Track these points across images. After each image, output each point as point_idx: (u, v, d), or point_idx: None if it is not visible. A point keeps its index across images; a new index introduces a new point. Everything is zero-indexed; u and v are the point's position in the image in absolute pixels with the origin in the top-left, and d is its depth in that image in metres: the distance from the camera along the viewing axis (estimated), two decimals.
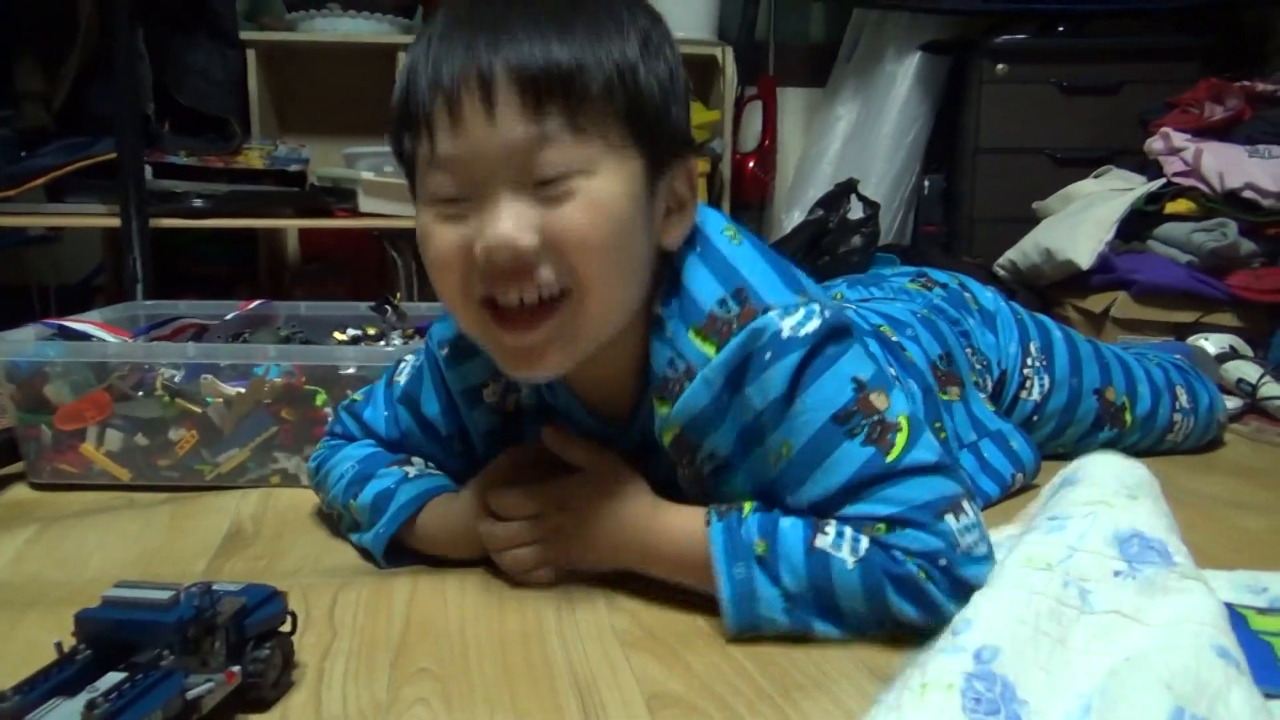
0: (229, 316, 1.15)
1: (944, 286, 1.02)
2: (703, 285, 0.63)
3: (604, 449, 0.70)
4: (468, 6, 0.59)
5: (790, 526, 0.61)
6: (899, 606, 0.58)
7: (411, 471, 0.76)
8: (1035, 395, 0.99)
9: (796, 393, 0.61)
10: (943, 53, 2.25)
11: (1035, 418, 0.99)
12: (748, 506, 0.63)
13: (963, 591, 0.56)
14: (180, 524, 0.85)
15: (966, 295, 1.01)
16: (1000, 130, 2.13)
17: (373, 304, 1.19)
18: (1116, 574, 0.52)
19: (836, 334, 0.62)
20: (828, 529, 0.60)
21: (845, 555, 0.59)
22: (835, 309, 0.63)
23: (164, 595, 0.49)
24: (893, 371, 0.79)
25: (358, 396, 0.84)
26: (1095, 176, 1.88)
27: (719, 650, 0.60)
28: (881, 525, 0.59)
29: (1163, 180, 1.68)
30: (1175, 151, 1.68)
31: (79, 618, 0.50)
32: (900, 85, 2.27)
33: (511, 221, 0.56)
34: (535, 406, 0.74)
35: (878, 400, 0.61)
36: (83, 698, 0.44)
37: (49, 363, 0.92)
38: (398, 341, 1.12)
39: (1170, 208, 1.67)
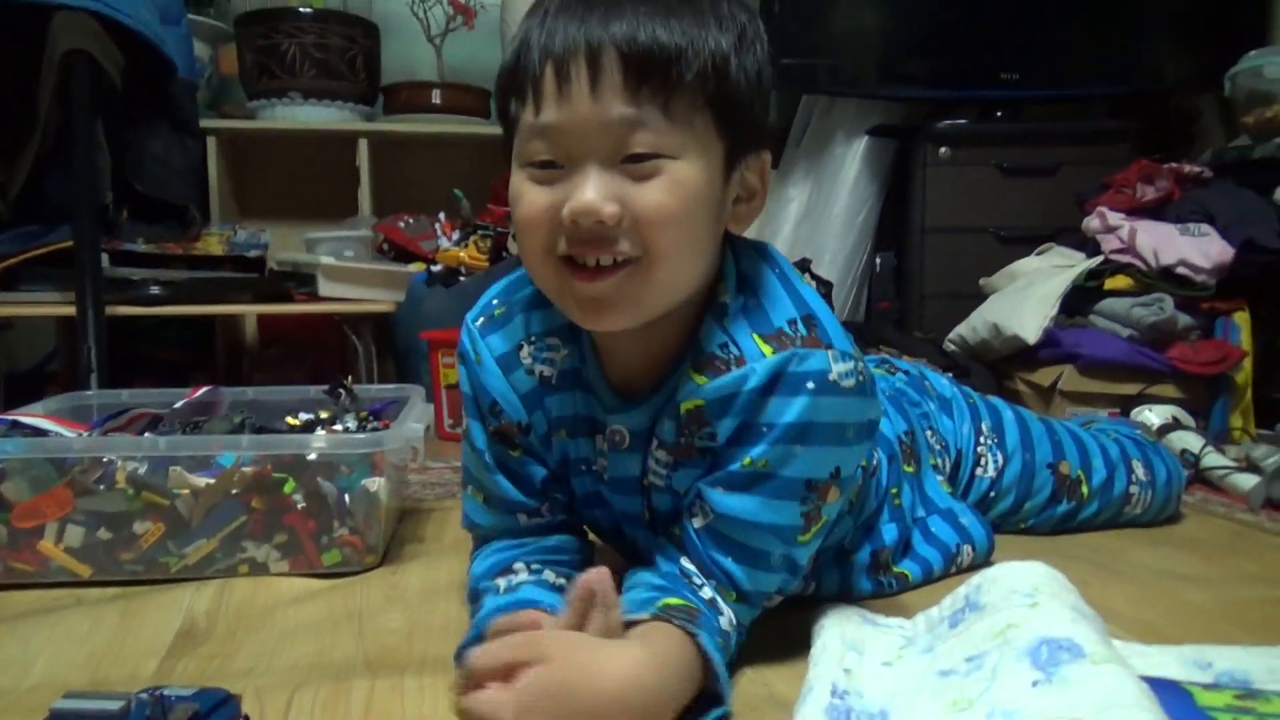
0: (178, 404, 1.14)
1: (905, 373, 1.07)
2: (779, 304, 0.69)
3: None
4: None
5: (710, 612, 0.66)
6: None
7: (503, 585, 0.73)
8: (990, 471, 1.03)
9: (805, 437, 0.66)
10: (888, 137, 2.34)
11: (993, 493, 1.03)
12: (693, 605, 0.65)
13: None
14: (131, 622, 0.83)
15: (926, 382, 1.06)
16: (946, 210, 2.21)
17: (326, 387, 1.20)
18: (1035, 684, 0.54)
19: (864, 403, 0.68)
20: (719, 604, 0.67)
21: (731, 631, 0.67)
22: (872, 377, 0.69)
23: (113, 705, 0.49)
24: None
25: (468, 495, 0.82)
26: (1038, 254, 1.96)
27: None
28: (734, 594, 0.68)
29: (1101, 257, 1.75)
30: (1111, 230, 1.75)
31: None
32: (849, 167, 2.35)
33: (599, 192, 0.61)
34: (561, 374, 0.75)
35: (832, 495, 0.69)
36: None
37: (6, 459, 0.91)
38: (352, 424, 1.12)
39: (1109, 283, 1.73)
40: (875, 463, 0.87)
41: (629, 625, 0.62)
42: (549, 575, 0.74)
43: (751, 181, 0.69)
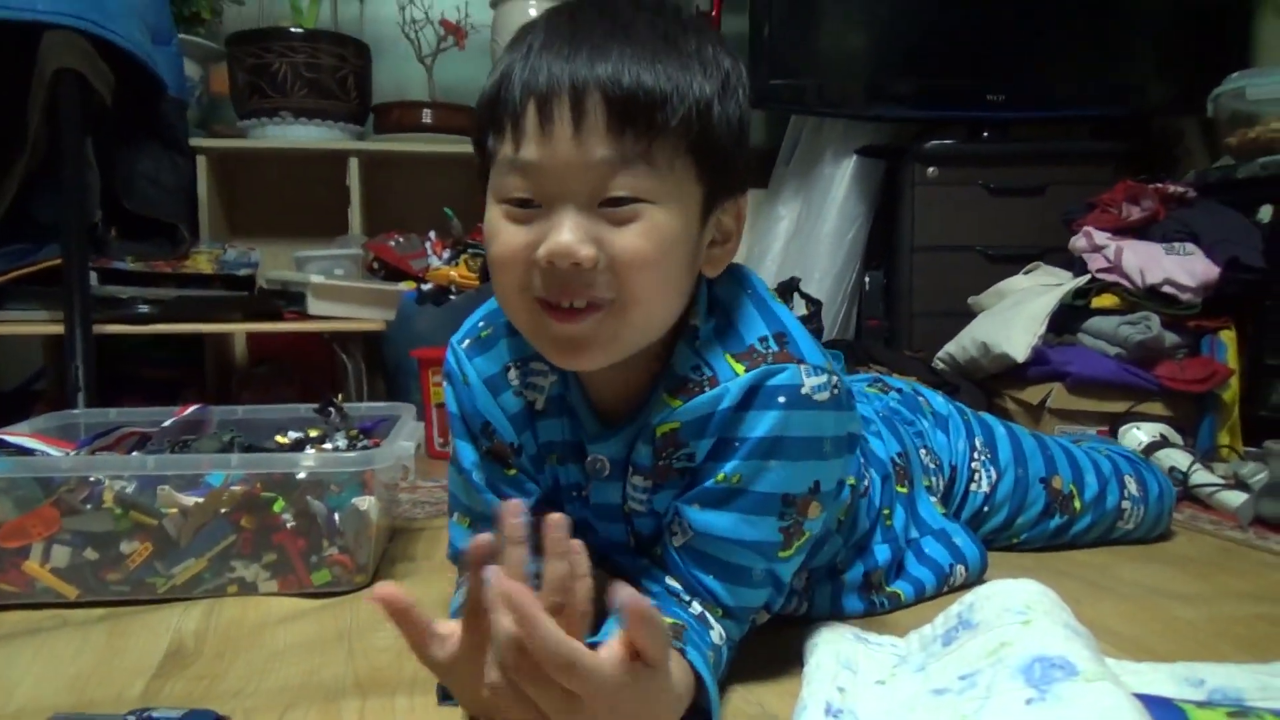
0: (166, 423, 1.13)
1: (899, 391, 1.07)
2: (750, 323, 0.69)
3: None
4: (569, 25, 0.63)
5: (699, 626, 0.66)
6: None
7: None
8: (984, 487, 1.03)
9: (777, 451, 0.66)
10: (877, 156, 2.35)
11: (986, 508, 1.04)
12: (677, 623, 0.65)
13: None
14: (117, 643, 0.82)
15: (920, 399, 1.07)
16: (934, 229, 2.22)
17: (316, 406, 1.19)
18: (1029, 702, 0.54)
19: (840, 416, 0.68)
20: (708, 618, 0.67)
21: (721, 645, 0.67)
22: (846, 390, 0.70)
23: None
24: (861, 460, 0.86)
25: (454, 522, 0.81)
26: (1025, 272, 1.97)
27: None
28: (720, 610, 0.68)
29: (1088, 276, 1.76)
30: (1098, 249, 1.76)
31: None
32: (838, 187, 2.37)
33: (576, 234, 0.60)
34: (549, 400, 0.75)
35: (812, 510, 0.69)
36: None
37: None
38: (342, 443, 1.11)
39: (1097, 302, 1.74)
40: (867, 483, 0.87)
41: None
42: None
43: (727, 225, 0.69)
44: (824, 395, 0.67)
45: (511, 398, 0.76)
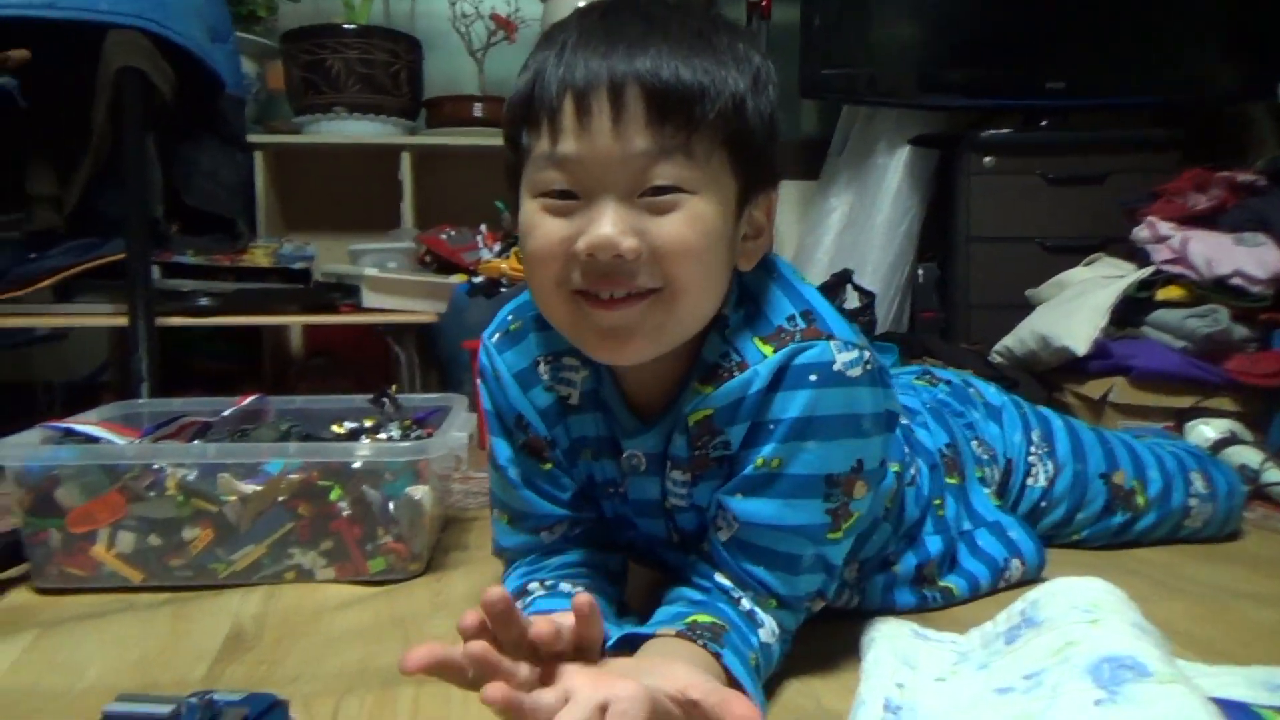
0: (226, 412, 1.15)
1: (948, 383, 1.05)
2: (776, 305, 0.69)
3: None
4: (603, 23, 0.63)
5: (744, 627, 0.65)
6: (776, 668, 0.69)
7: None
8: (1041, 481, 1.01)
9: (812, 431, 0.65)
10: (931, 146, 2.31)
11: (1044, 503, 1.01)
12: (721, 622, 0.64)
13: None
14: (180, 627, 0.84)
15: (971, 390, 1.04)
16: (991, 219, 2.18)
17: (370, 396, 1.20)
18: (1098, 703, 0.53)
19: (875, 393, 0.67)
20: (758, 616, 0.67)
21: (773, 642, 0.67)
22: (879, 367, 0.68)
23: (164, 710, 0.49)
24: (906, 449, 0.85)
25: (495, 518, 0.81)
26: (1086, 264, 1.92)
27: None
28: (774, 601, 0.68)
29: (1152, 268, 1.71)
30: (1162, 240, 1.71)
31: None
32: (891, 177, 2.33)
33: (617, 226, 0.60)
34: (583, 396, 0.75)
35: (858, 489, 0.68)
36: None
37: (60, 466, 0.92)
38: (396, 433, 1.12)
39: (1162, 294, 1.69)
40: (914, 471, 0.86)
41: (654, 638, 0.62)
42: (565, 586, 0.73)
43: (759, 219, 0.69)
44: (857, 370, 0.66)
45: (542, 393, 0.75)
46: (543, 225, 0.63)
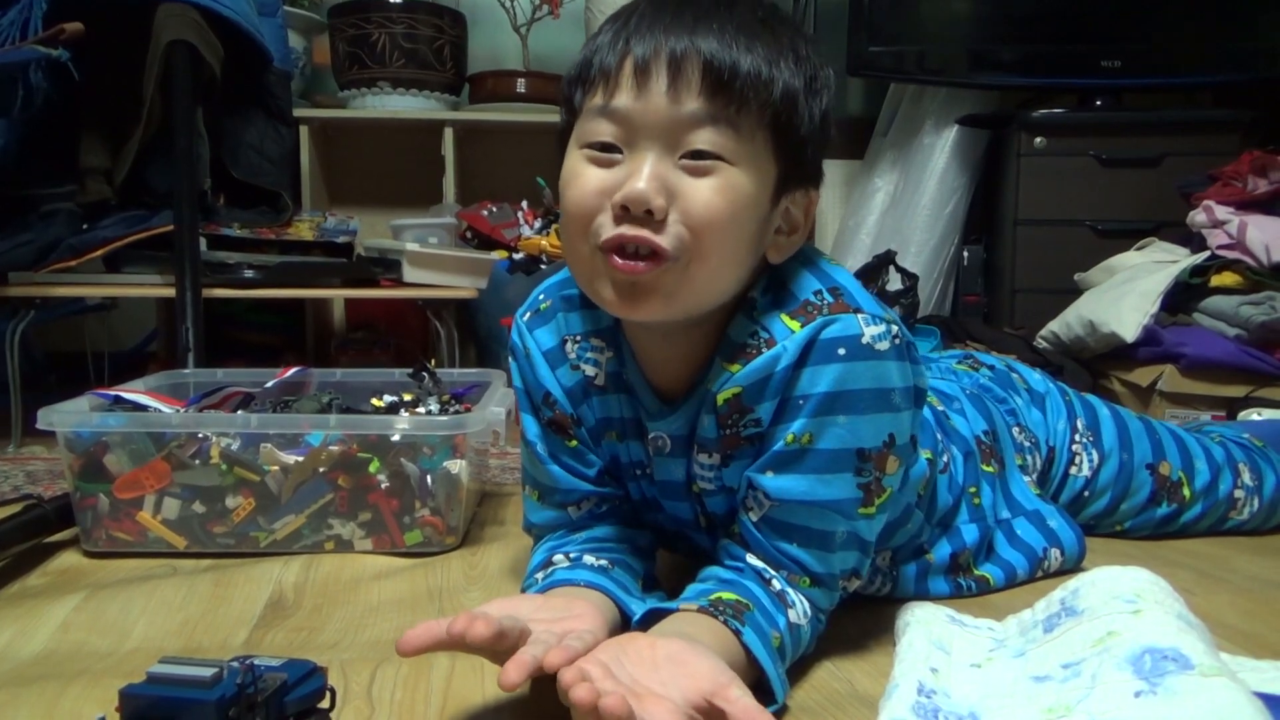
0: (269, 383, 1.17)
1: (990, 368, 1.04)
2: (803, 283, 0.69)
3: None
4: (674, 1, 0.65)
5: (771, 607, 0.65)
6: (809, 650, 0.69)
7: (540, 578, 0.74)
8: (1085, 471, 0.99)
9: (842, 405, 0.65)
10: (980, 126, 2.27)
11: (1087, 493, 0.99)
12: (745, 601, 0.64)
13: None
14: (222, 592, 0.86)
15: (1014, 376, 1.03)
16: (1040, 202, 2.13)
17: (410, 370, 1.22)
18: (1138, 695, 0.52)
19: (904, 367, 0.67)
20: (788, 596, 0.66)
21: (803, 623, 0.67)
22: (907, 341, 0.68)
23: (207, 673, 0.50)
24: (939, 436, 0.83)
25: (525, 495, 0.82)
26: (1138, 248, 1.87)
27: None
28: (807, 579, 0.68)
29: (1207, 253, 1.67)
30: (1219, 224, 1.66)
31: (124, 694, 0.50)
32: (938, 157, 2.29)
33: (653, 184, 0.62)
34: (609, 376, 0.75)
35: (890, 464, 0.68)
36: None
37: (109, 433, 0.94)
38: (434, 407, 1.13)
39: (1216, 280, 1.65)
40: (946, 459, 0.84)
41: (677, 613, 0.63)
42: (589, 559, 0.74)
43: (795, 216, 0.69)
44: (885, 344, 0.65)
45: (569, 371, 0.76)
46: (584, 174, 0.65)
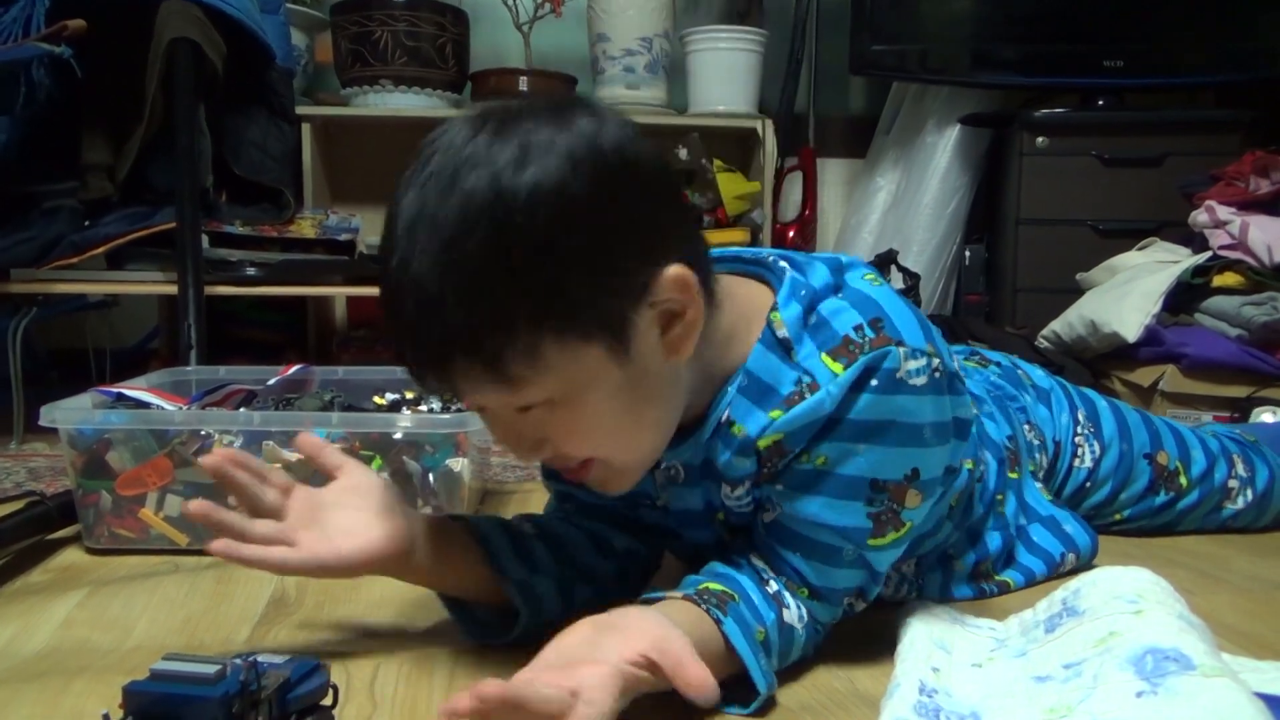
0: (271, 381, 1.17)
1: (998, 365, 1.03)
2: (841, 312, 0.65)
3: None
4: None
5: (762, 604, 0.65)
6: (805, 654, 0.68)
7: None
8: (1088, 462, 0.99)
9: (868, 435, 0.63)
10: (982, 125, 2.27)
11: (1089, 484, 1.00)
12: (730, 592, 0.64)
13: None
14: (224, 589, 0.86)
15: (1020, 373, 1.02)
16: (1042, 201, 2.14)
17: None
18: (1139, 695, 0.52)
19: (941, 401, 0.65)
20: (784, 598, 0.66)
21: (798, 626, 0.66)
22: (950, 374, 0.66)
23: (210, 669, 0.50)
24: (977, 443, 0.81)
25: None
26: (1140, 248, 1.87)
27: None
28: (805, 590, 0.67)
29: (1209, 253, 1.67)
30: (1220, 224, 1.66)
31: (127, 690, 0.50)
32: (940, 156, 2.29)
33: (523, 443, 0.63)
34: None
35: (910, 498, 0.66)
36: None
37: (112, 430, 0.94)
38: (436, 406, 1.13)
39: (1218, 280, 1.65)
40: (983, 467, 0.83)
41: (663, 600, 0.63)
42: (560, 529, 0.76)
43: (665, 309, 0.61)
44: (921, 380, 0.63)
45: None
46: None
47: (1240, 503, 1.05)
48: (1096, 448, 0.99)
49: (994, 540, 0.85)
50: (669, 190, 0.65)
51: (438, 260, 0.56)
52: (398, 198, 0.59)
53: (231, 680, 0.50)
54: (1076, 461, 0.99)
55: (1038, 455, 0.95)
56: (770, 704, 0.62)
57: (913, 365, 0.63)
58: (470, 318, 0.56)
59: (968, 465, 0.78)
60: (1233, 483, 1.04)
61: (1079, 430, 0.99)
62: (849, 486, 0.64)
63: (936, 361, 0.65)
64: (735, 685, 0.61)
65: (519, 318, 0.56)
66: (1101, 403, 1.03)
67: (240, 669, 0.51)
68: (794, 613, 0.66)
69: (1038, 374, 1.04)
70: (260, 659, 0.53)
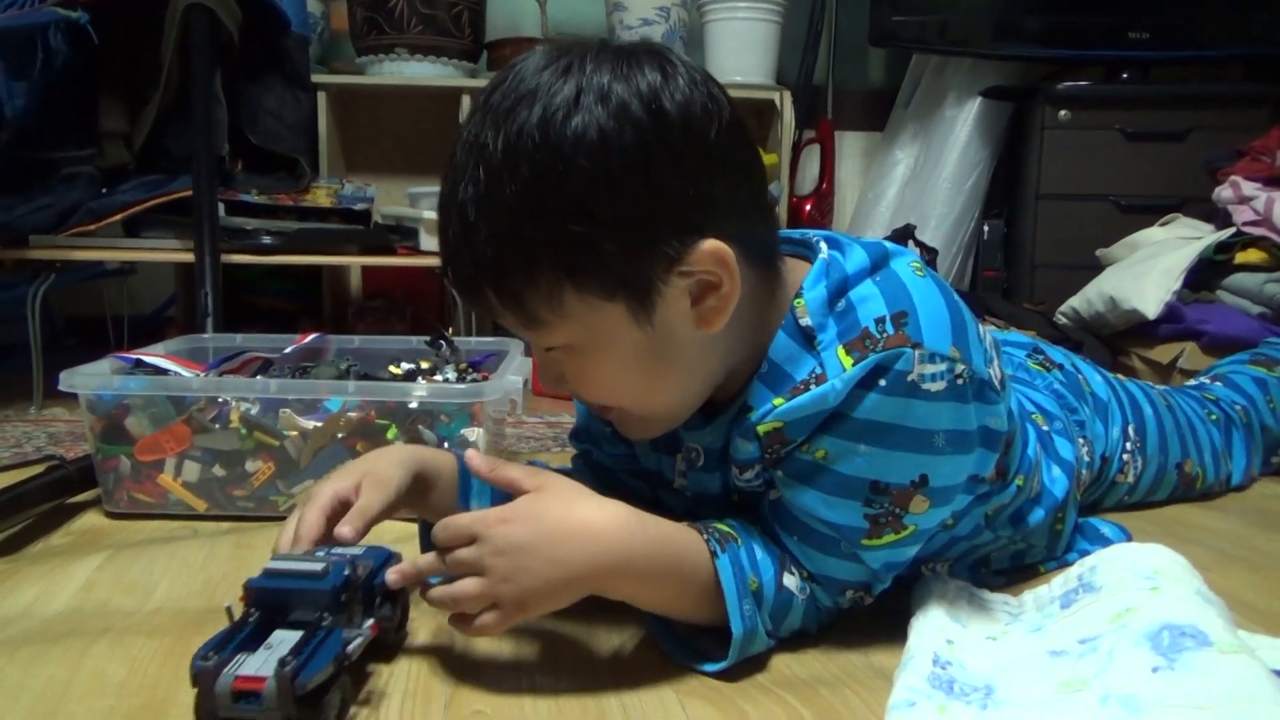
0: (288, 349, 1.18)
1: (1060, 368, 0.99)
2: (870, 301, 0.62)
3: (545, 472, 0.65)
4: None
5: (764, 559, 0.64)
6: (807, 628, 0.67)
7: None
8: (1130, 478, 0.99)
9: (867, 436, 0.61)
10: (1004, 98, 2.24)
11: (1127, 497, 1.01)
12: (734, 534, 0.64)
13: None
14: (243, 554, 0.87)
15: (1080, 378, 0.98)
16: (1063, 176, 2.11)
17: (427, 338, 1.22)
18: (1155, 670, 0.52)
19: (958, 409, 0.62)
20: (789, 565, 0.66)
21: (797, 593, 0.65)
22: (978, 382, 0.63)
23: (317, 566, 0.58)
24: (1041, 457, 0.79)
25: None
26: (1162, 224, 1.85)
27: (776, 699, 0.60)
28: (805, 573, 0.66)
29: (1232, 229, 1.65)
30: (1245, 200, 1.64)
31: (249, 586, 0.58)
32: (960, 130, 2.27)
33: (545, 376, 0.67)
34: None
35: (916, 504, 0.63)
36: (265, 654, 0.52)
37: (131, 396, 0.95)
38: (452, 375, 1.13)
39: (1241, 257, 1.63)
40: (1038, 485, 0.78)
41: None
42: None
43: (701, 279, 0.60)
44: (936, 385, 0.60)
45: None
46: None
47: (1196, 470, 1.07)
48: (1140, 463, 0.99)
49: (1038, 554, 0.81)
50: (731, 161, 0.60)
51: (479, 192, 0.57)
52: (471, 112, 0.61)
53: (337, 574, 0.58)
54: (1121, 477, 0.98)
55: (1084, 472, 0.91)
56: (746, 639, 0.61)
57: (928, 370, 0.60)
58: (499, 254, 0.58)
59: (1018, 482, 0.74)
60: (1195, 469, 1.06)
61: (1128, 445, 0.97)
62: (846, 485, 0.62)
63: (961, 368, 0.61)
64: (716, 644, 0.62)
65: (543, 265, 0.58)
66: (1147, 409, 1.01)
67: (343, 564, 0.58)
68: (796, 579, 0.65)
69: (1097, 381, 1.00)
70: (347, 551, 0.61)
